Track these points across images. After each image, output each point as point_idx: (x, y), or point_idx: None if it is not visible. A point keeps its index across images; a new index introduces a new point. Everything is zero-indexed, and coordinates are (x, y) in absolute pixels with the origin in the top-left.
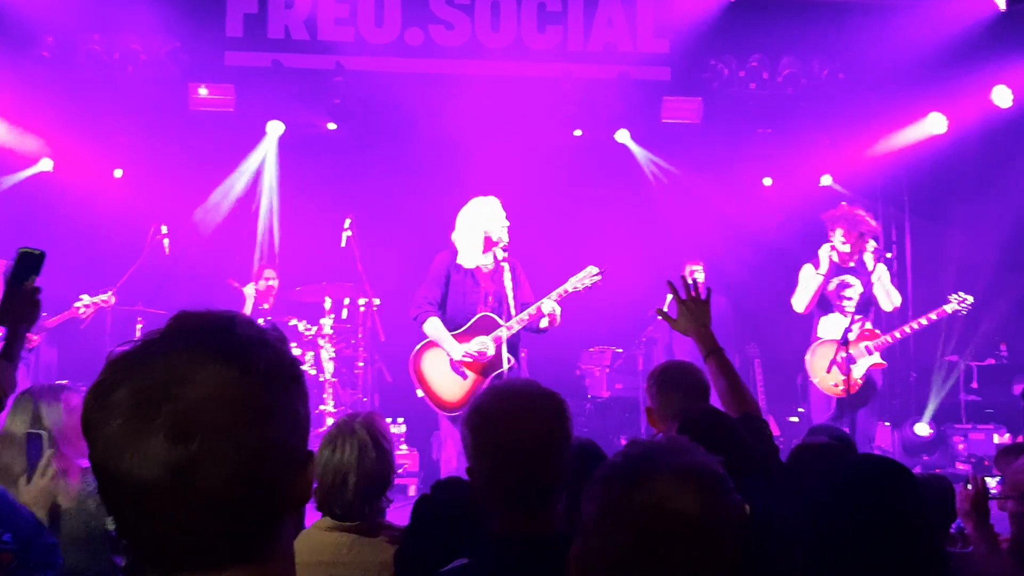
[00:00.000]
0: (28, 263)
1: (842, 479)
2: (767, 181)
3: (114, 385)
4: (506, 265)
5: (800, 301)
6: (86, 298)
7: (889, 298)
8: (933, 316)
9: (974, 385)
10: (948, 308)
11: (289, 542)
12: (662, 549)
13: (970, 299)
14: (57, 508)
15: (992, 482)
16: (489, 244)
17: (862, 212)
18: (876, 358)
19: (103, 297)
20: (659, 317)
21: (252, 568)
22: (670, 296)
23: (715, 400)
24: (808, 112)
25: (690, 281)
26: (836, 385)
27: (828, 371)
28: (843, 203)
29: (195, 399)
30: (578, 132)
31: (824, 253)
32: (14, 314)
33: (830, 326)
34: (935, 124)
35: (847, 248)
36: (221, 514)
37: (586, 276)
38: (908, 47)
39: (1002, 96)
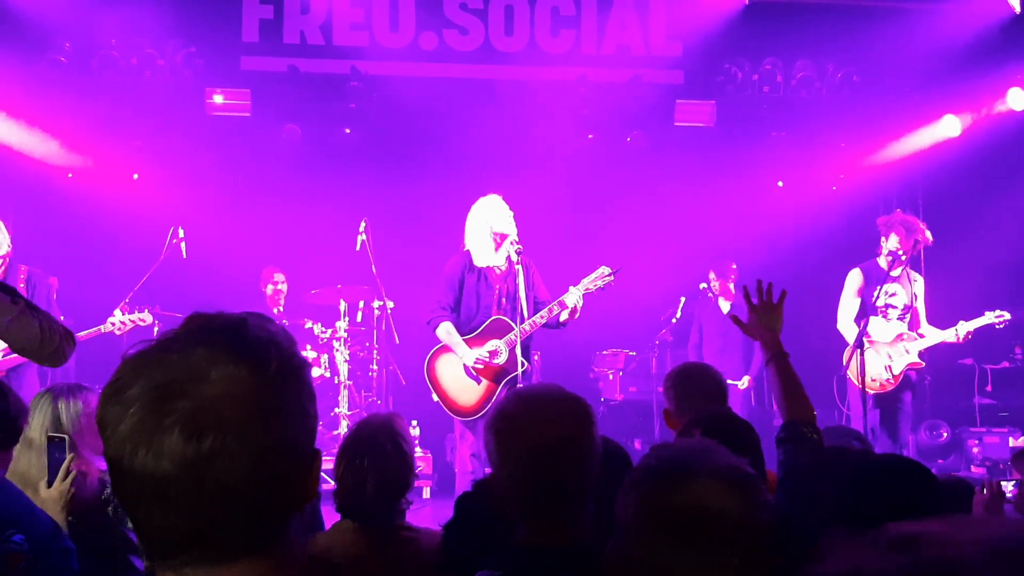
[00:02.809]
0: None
1: (863, 479)
2: (780, 183)
3: (129, 382)
4: (520, 267)
5: (841, 327)
6: (119, 314)
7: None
8: (971, 328)
9: (988, 388)
10: (983, 322)
11: (296, 538)
12: (704, 549)
13: (1007, 315)
14: (76, 511)
15: (1008, 486)
16: (499, 241)
17: (921, 225)
18: (913, 357)
19: (140, 316)
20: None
21: (261, 563)
22: (683, 299)
23: (734, 403)
24: (822, 115)
25: (764, 286)
26: (874, 381)
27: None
28: (898, 210)
29: (210, 396)
30: (591, 135)
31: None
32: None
33: (875, 329)
34: (949, 127)
35: (902, 255)
36: (232, 509)
37: (598, 277)
38: (922, 50)
39: (1017, 98)
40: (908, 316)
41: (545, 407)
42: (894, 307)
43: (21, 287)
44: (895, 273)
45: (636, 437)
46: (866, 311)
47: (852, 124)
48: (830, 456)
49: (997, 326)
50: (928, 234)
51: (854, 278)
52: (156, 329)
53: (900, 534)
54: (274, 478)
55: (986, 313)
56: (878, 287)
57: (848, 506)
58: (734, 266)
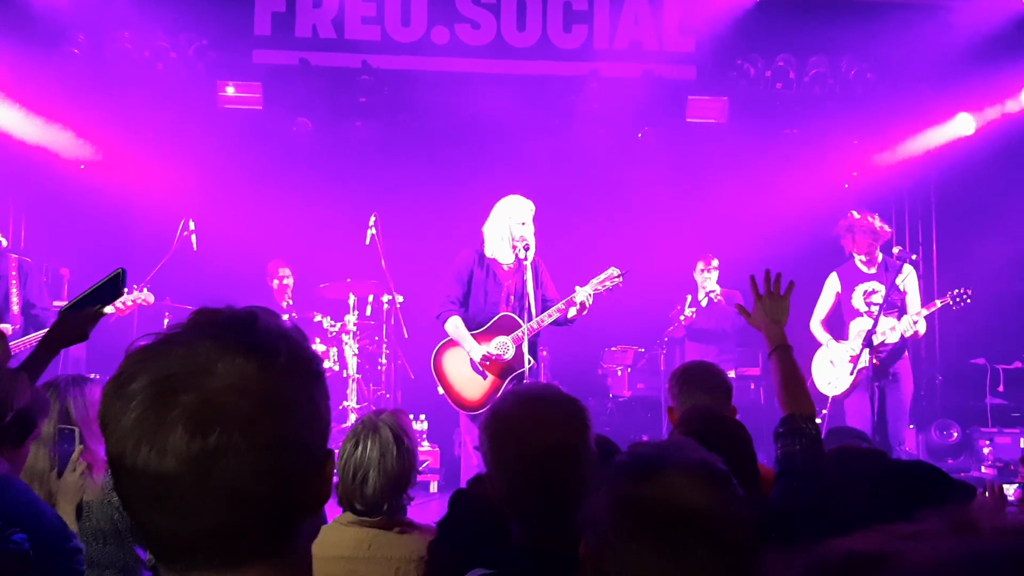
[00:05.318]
0: (115, 287)
1: (888, 485)
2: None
3: (132, 376)
4: (528, 264)
5: (812, 328)
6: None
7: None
8: (924, 315)
9: (1000, 388)
10: (939, 303)
11: (307, 543)
12: (672, 542)
13: (967, 296)
14: (83, 502)
15: (1010, 489)
16: (513, 242)
17: (870, 220)
18: (856, 351)
19: (141, 296)
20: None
21: (269, 567)
22: (690, 296)
23: (741, 400)
24: (835, 112)
25: (772, 277)
26: (828, 383)
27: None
28: (852, 212)
29: (215, 390)
30: (602, 131)
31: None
32: (65, 335)
33: (858, 330)
34: (963, 125)
35: (863, 258)
36: (238, 509)
37: (607, 278)
38: (937, 47)
39: None
40: (895, 310)
41: (539, 408)
42: (875, 304)
43: (12, 275)
44: (871, 271)
45: (644, 434)
46: (852, 313)
47: (865, 121)
48: (838, 456)
49: (954, 307)
50: (881, 225)
51: (830, 282)
52: (167, 320)
53: (852, 556)
54: (283, 478)
55: (948, 294)
56: (855, 287)
57: (881, 509)
58: (715, 261)
